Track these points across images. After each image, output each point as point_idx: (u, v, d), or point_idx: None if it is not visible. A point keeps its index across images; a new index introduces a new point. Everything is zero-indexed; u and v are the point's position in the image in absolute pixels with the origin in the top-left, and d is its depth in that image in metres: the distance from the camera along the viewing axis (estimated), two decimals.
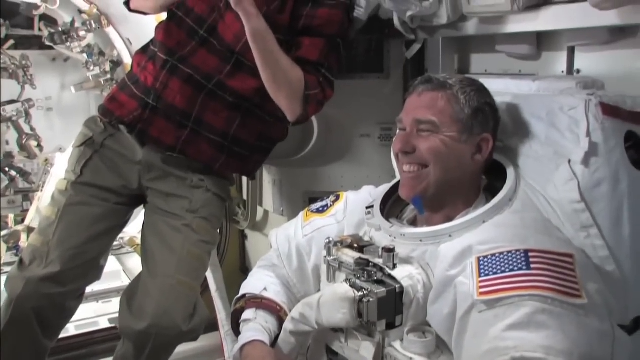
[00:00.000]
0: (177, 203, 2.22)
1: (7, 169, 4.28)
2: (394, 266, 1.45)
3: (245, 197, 3.03)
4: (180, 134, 2.18)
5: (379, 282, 1.43)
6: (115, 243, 2.63)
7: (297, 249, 1.83)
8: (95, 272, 2.32)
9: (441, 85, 1.58)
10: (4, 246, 3.77)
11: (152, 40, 2.29)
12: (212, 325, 2.77)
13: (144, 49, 2.32)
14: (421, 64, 2.48)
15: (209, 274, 2.83)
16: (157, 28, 2.26)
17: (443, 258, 1.44)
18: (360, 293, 1.40)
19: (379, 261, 1.47)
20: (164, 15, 2.26)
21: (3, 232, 3.89)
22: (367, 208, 1.73)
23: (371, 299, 1.39)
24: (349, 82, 2.46)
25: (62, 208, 2.23)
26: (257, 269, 1.94)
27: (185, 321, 2.12)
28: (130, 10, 2.34)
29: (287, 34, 2.12)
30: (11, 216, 4.14)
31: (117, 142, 2.26)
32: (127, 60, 4.32)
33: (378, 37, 2.51)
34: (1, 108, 4.21)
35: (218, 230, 2.44)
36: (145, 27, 3.21)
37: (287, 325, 1.60)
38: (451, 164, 1.55)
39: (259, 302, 1.76)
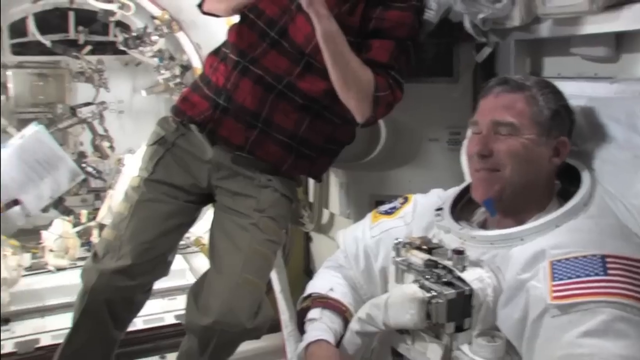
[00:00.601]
0: (245, 202, 2.25)
1: (83, 166, 4.42)
2: (464, 268, 1.44)
3: (311, 199, 3.05)
4: (249, 134, 2.21)
5: (448, 284, 1.42)
6: (181, 242, 2.70)
7: (364, 250, 1.83)
8: (163, 267, 2.38)
9: (519, 87, 1.55)
10: (77, 241, 3.91)
11: (224, 43, 2.34)
12: (275, 326, 2.79)
13: (216, 51, 2.37)
14: (491, 68, 2.43)
15: (273, 275, 2.85)
16: (229, 30, 2.31)
17: (514, 261, 1.42)
18: (429, 294, 1.39)
19: (449, 263, 1.46)
20: (235, 19, 2.31)
21: (77, 228, 4.03)
22: (436, 210, 1.72)
23: (440, 301, 1.37)
24: (418, 85, 2.43)
25: (134, 204, 2.29)
26: (323, 269, 1.95)
27: (249, 319, 2.14)
28: (203, 12, 2.40)
29: (357, 36, 2.12)
30: (84, 212, 4.30)
31: (188, 141, 2.30)
32: (197, 64, 4.41)
33: (447, 41, 2.48)
34: (77, 110, 4.38)
35: (284, 231, 2.46)
36: (214, 32, 3.29)
37: (353, 325, 1.61)
38: (529, 167, 1.52)
39: (325, 302, 1.77)
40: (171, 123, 2.35)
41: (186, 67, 4.57)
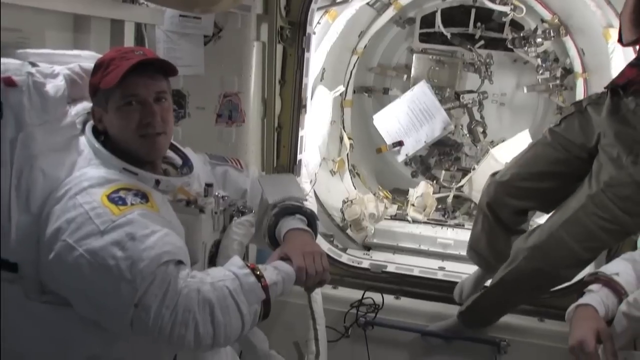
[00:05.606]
0: (600, 173, 2.47)
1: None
2: None
3: None
4: None
5: None
6: None
7: None
8: (540, 201, 2.85)
9: None
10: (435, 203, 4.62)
11: None
12: None
13: None
14: None
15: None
16: None
17: None
18: None
19: None
20: None
21: (437, 195, 4.69)
22: None
23: None
24: None
25: (536, 142, 2.88)
26: (618, 258, 2.10)
27: (563, 268, 2.58)
28: (624, 45, 2.59)
29: None
30: (442, 173, 5.10)
31: (595, 109, 2.60)
32: (577, 69, 4.61)
33: None
34: (460, 95, 5.00)
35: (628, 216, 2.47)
36: (600, 40, 3.62)
37: (622, 306, 1.79)
38: None
39: (607, 281, 1.95)
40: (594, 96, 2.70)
41: (568, 71, 4.79)
